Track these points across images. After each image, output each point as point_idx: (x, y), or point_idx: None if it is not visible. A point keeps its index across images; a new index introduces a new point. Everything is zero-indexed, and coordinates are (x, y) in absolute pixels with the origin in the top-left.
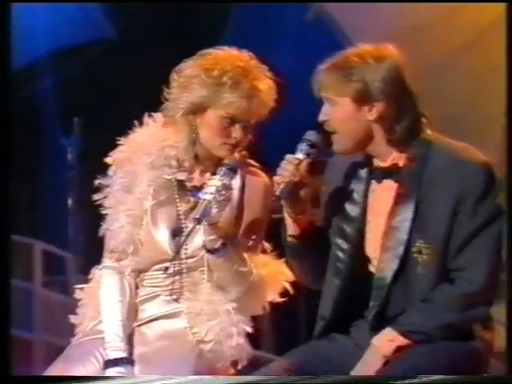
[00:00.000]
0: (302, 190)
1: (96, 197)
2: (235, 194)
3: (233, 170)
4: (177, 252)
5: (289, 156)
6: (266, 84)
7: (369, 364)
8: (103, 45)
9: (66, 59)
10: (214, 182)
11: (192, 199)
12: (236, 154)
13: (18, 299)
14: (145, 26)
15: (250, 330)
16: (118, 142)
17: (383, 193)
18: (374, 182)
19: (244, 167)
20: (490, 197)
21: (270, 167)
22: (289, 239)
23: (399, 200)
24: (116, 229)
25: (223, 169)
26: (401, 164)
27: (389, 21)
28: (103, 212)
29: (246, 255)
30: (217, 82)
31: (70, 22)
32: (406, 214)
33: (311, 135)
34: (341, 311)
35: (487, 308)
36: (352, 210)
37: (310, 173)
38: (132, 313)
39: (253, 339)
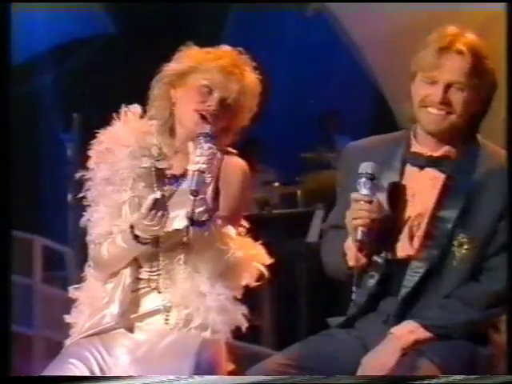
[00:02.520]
0: (376, 227)
1: (79, 191)
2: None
3: (211, 137)
4: (156, 242)
5: (357, 195)
6: (251, 76)
7: (385, 354)
8: (102, 40)
9: (64, 55)
10: (202, 152)
11: (170, 188)
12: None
13: (18, 294)
14: (144, 21)
15: (231, 295)
16: (98, 135)
17: (424, 182)
18: (412, 169)
19: (221, 151)
20: None
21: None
22: (350, 266)
23: (447, 193)
24: (96, 220)
25: (201, 138)
26: (453, 156)
27: (389, 18)
28: (85, 204)
29: (228, 232)
30: (204, 57)
31: (69, 17)
32: (454, 207)
33: (369, 167)
34: (371, 301)
35: (506, 306)
36: (388, 200)
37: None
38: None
39: (253, 334)
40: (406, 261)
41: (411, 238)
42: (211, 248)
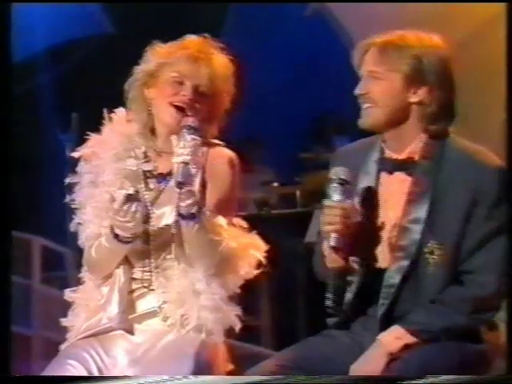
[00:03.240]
0: (350, 233)
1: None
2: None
3: (193, 129)
4: (146, 240)
5: (329, 202)
6: (219, 58)
7: (372, 360)
8: (101, 40)
9: (63, 54)
10: (184, 144)
11: (158, 186)
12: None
13: (17, 295)
14: (144, 20)
15: (226, 295)
16: (86, 138)
17: (394, 185)
18: (383, 174)
19: (206, 144)
20: (505, 202)
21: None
22: (329, 267)
23: (412, 198)
24: (84, 223)
25: (184, 130)
26: (416, 158)
27: (388, 16)
28: (74, 207)
29: (219, 222)
30: (170, 51)
31: (67, 17)
32: (420, 213)
33: (340, 172)
34: (352, 308)
35: (495, 312)
36: (362, 205)
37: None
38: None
39: (252, 335)
40: (380, 273)
41: (392, 248)
42: (203, 241)
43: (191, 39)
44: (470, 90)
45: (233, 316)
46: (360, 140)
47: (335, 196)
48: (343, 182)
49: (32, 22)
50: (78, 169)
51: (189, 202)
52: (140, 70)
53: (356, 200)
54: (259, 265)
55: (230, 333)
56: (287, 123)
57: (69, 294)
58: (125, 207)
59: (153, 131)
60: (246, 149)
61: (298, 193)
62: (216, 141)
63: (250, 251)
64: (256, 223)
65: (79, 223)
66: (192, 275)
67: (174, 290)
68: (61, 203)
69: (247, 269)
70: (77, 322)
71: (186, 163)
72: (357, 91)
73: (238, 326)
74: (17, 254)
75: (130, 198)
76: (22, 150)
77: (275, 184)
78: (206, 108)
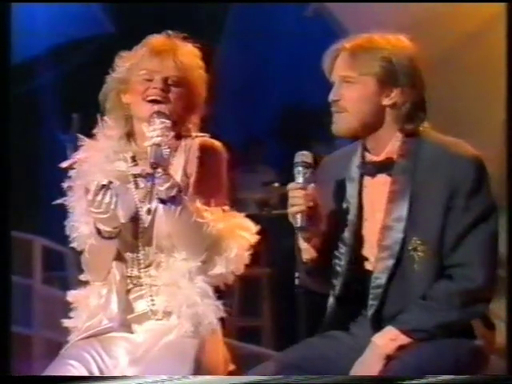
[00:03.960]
0: (315, 214)
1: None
2: (179, 169)
3: (163, 114)
4: (135, 237)
5: (292, 184)
6: (184, 47)
7: (369, 363)
8: (101, 40)
9: (63, 55)
10: (154, 127)
11: (146, 184)
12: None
13: (17, 295)
14: (144, 20)
15: (210, 288)
16: (80, 143)
17: (378, 188)
18: (367, 178)
19: (189, 137)
20: (482, 191)
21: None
22: (305, 261)
23: (393, 198)
24: (75, 224)
25: (153, 115)
26: (395, 158)
27: (388, 16)
28: (68, 210)
29: (200, 206)
30: (136, 54)
31: (67, 17)
32: (400, 212)
33: (304, 156)
34: (341, 311)
35: (486, 304)
36: (347, 211)
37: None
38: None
39: (253, 335)
40: (368, 274)
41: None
42: (188, 224)
43: (154, 38)
44: (469, 90)
45: (210, 311)
46: (343, 148)
47: (299, 179)
48: (307, 165)
49: (32, 23)
50: (71, 173)
51: (167, 185)
52: (112, 79)
53: (347, 209)
54: (250, 246)
55: (224, 330)
56: (288, 122)
57: (71, 295)
58: (98, 198)
59: (131, 135)
60: (248, 149)
61: None
62: (200, 133)
63: (238, 232)
64: (257, 223)
65: (72, 225)
66: (180, 266)
67: (160, 282)
68: (62, 204)
69: (237, 251)
70: (78, 323)
71: (157, 145)
72: (330, 98)
73: (214, 321)
74: (18, 254)
75: (102, 188)
76: (22, 150)
77: (276, 184)
78: (181, 98)
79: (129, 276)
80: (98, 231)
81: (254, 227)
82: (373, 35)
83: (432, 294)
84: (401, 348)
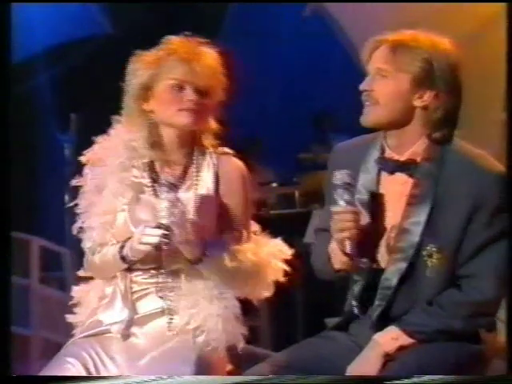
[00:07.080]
0: (364, 239)
1: (73, 199)
2: (209, 187)
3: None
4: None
5: (337, 208)
6: (207, 52)
7: (369, 361)
8: (100, 40)
9: (63, 55)
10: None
11: (167, 196)
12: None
13: (15, 295)
14: (142, 20)
15: (238, 312)
16: (94, 141)
17: (395, 186)
18: (384, 173)
19: (216, 157)
20: (506, 209)
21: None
22: (336, 268)
23: (413, 201)
24: (88, 229)
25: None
26: (418, 160)
27: (388, 16)
28: (77, 211)
29: (234, 249)
30: (159, 58)
31: (67, 17)
32: (420, 216)
33: (344, 177)
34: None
35: (493, 318)
36: (360, 202)
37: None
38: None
39: (251, 335)
40: (377, 273)
41: (390, 249)
42: (221, 272)
43: (175, 41)
44: (470, 90)
45: (239, 334)
46: (360, 136)
47: (342, 201)
48: (348, 187)
49: (31, 22)
50: (84, 172)
51: (189, 250)
52: (134, 84)
53: (357, 200)
54: (285, 273)
55: (231, 349)
56: (286, 123)
57: (75, 290)
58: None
59: (155, 143)
60: (245, 149)
61: (296, 193)
62: (226, 149)
63: (273, 262)
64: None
65: (81, 228)
66: (202, 285)
67: (184, 292)
68: (59, 204)
69: (271, 281)
70: (83, 318)
71: (167, 227)
72: (361, 87)
73: (241, 345)
74: (15, 255)
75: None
76: (22, 150)
77: (274, 184)
78: (208, 107)
79: (136, 281)
80: (122, 258)
81: (287, 251)
82: (419, 33)
83: (439, 301)
84: (401, 348)
